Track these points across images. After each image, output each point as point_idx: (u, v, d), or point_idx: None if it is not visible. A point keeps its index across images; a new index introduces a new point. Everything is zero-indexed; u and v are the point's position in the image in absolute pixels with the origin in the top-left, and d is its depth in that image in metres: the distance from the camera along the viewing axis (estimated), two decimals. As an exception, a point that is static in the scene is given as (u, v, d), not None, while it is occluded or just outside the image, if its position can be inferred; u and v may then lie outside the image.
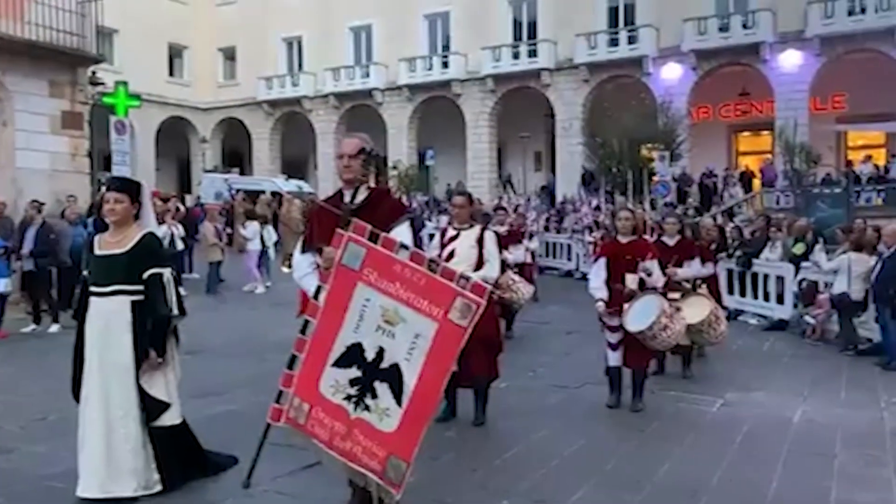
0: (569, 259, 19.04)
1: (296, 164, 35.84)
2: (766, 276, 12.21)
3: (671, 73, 27.73)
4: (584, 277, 8.06)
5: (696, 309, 7.67)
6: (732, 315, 12.34)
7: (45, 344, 10.05)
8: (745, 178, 26.31)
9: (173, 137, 36.05)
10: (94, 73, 17.70)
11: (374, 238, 3.61)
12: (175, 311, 4.31)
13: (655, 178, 21.58)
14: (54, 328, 10.79)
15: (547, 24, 30.22)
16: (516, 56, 30.71)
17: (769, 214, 15.60)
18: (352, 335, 3.64)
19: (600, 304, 6.60)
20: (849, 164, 24.31)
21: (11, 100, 14.48)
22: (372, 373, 3.59)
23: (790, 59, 25.95)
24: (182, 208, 19.26)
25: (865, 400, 7.33)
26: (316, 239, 3.97)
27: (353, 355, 3.64)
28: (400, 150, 32.91)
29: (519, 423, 6.25)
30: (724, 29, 26.78)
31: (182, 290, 4.68)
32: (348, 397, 3.63)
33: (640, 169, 19.09)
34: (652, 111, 25.47)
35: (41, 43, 14.71)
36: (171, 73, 36.59)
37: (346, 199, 3.95)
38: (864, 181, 22.57)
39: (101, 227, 4.71)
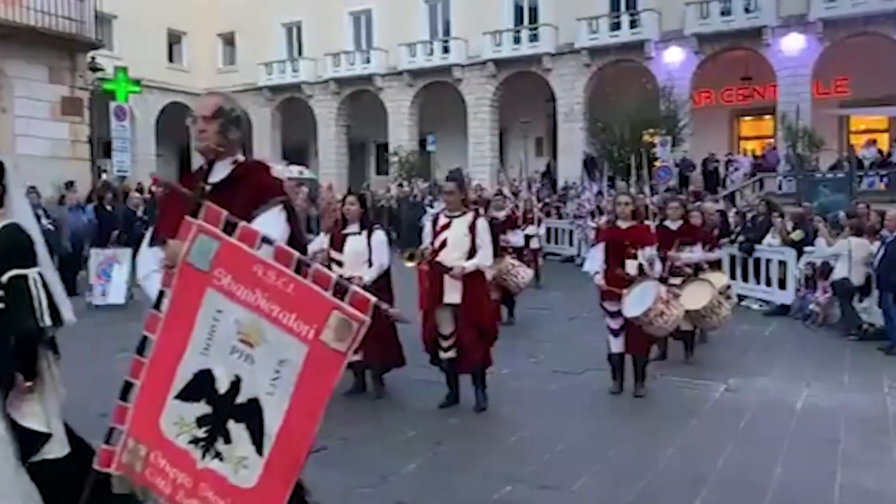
0: (570, 244, 19.02)
1: (296, 150, 35.73)
2: (768, 262, 12.19)
3: (673, 58, 27.56)
4: None
5: (698, 295, 7.67)
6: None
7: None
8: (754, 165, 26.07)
9: (173, 123, 35.82)
10: (93, 58, 17.64)
11: (231, 229, 2.66)
12: (47, 322, 3.23)
13: (657, 163, 21.48)
14: None
15: (548, 8, 30.02)
16: (517, 41, 30.52)
17: (770, 199, 15.55)
18: (199, 358, 2.71)
19: (598, 277, 6.65)
20: (851, 148, 24.21)
21: (11, 86, 14.44)
22: (225, 409, 2.67)
23: (793, 43, 25.78)
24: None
25: (869, 384, 7.33)
26: (164, 228, 2.99)
27: (201, 385, 2.72)
28: (401, 135, 32.80)
29: (521, 410, 6.26)
30: (726, 13, 26.59)
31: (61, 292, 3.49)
32: (195, 440, 2.72)
33: (641, 154, 18.97)
34: (654, 96, 25.32)
35: (40, 28, 14.66)
36: (170, 59, 36.37)
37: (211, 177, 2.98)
38: (867, 166, 22.47)
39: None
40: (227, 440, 2.67)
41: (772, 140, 26.68)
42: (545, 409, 6.28)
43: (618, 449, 5.34)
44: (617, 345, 6.75)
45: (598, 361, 7.23)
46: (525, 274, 10.16)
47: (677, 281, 7.79)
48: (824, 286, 10.54)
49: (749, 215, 14.18)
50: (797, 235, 11.94)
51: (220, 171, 3.00)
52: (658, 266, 6.75)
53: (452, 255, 6.00)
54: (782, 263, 11.88)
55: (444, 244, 6.04)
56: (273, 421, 2.61)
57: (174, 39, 36.47)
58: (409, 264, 6.38)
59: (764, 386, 7.18)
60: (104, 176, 19.30)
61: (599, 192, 18.72)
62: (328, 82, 34.28)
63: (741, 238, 12.74)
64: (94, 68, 17.93)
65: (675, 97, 25.30)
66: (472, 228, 6.06)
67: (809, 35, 25.43)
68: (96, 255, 11.69)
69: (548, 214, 19.75)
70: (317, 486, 4.49)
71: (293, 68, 35.48)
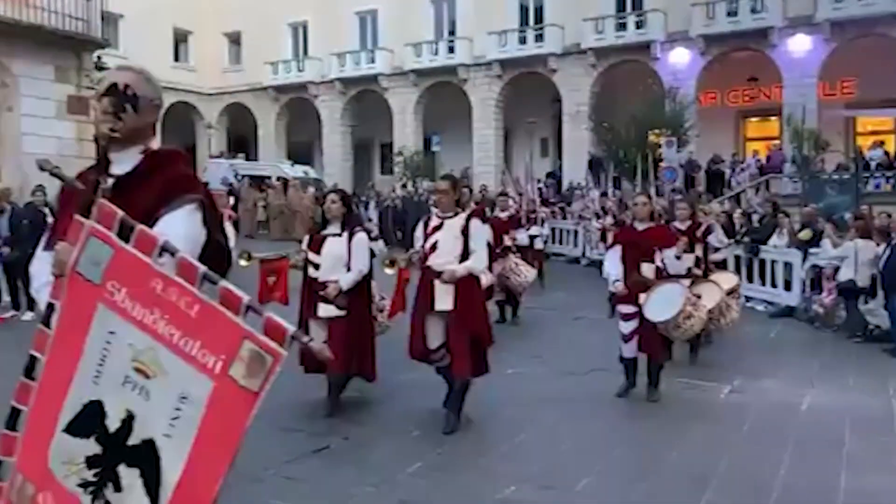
0: (575, 245, 19.00)
1: (302, 150, 35.76)
2: (773, 263, 12.16)
3: (679, 59, 27.51)
4: (592, 264, 7.89)
5: (707, 297, 7.53)
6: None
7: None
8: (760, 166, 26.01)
9: (179, 123, 35.97)
10: (99, 57, 17.68)
11: (128, 233, 2.14)
12: None
13: (663, 164, 21.45)
14: (28, 316, 10.62)
15: (554, 8, 29.99)
16: (523, 41, 30.49)
17: (776, 201, 15.51)
18: (90, 386, 2.21)
19: (618, 284, 6.43)
20: (857, 149, 24.13)
21: (17, 84, 14.49)
22: (115, 451, 2.16)
23: (799, 44, 25.70)
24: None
25: (874, 386, 7.31)
26: (60, 230, 2.41)
27: (90, 419, 2.22)
28: (405, 135, 32.80)
29: (526, 410, 6.25)
30: (732, 13, 26.52)
31: None
32: (84, 484, 2.21)
33: (647, 155, 18.97)
34: (659, 97, 25.28)
35: (47, 28, 14.72)
36: (176, 59, 36.45)
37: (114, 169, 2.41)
38: (874, 167, 22.40)
39: None
40: (118, 488, 2.16)
41: (777, 141, 26.61)
42: (550, 410, 6.27)
43: (622, 449, 5.33)
44: (629, 349, 6.61)
45: (603, 362, 7.22)
46: (528, 273, 10.16)
47: (686, 282, 7.57)
48: (829, 288, 10.51)
49: (755, 216, 14.16)
50: (805, 235, 11.92)
51: (124, 163, 2.44)
52: (684, 259, 6.73)
53: (443, 259, 5.61)
54: (788, 265, 11.85)
55: (434, 247, 5.67)
56: (172, 469, 2.10)
57: (180, 39, 36.54)
58: (389, 271, 6.06)
59: (769, 387, 7.16)
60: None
61: (604, 193, 18.70)
62: (333, 82, 34.30)
63: (746, 239, 12.71)
64: (101, 67, 17.96)
65: (680, 98, 25.26)
66: (466, 230, 5.62)
67: (816, 36, 25.35)
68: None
69: (553, 215, 19.75)
70: (320, 485, 4.51)
71: (299, 68, 35.51)
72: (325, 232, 6.11)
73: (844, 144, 25.57)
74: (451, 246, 5.62)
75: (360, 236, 6.06)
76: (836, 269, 10.35)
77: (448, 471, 4.86)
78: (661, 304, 6.20)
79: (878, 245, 9.86)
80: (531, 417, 6.04)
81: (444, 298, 5.55)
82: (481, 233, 5.70)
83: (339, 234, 6.01)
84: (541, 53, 29.76)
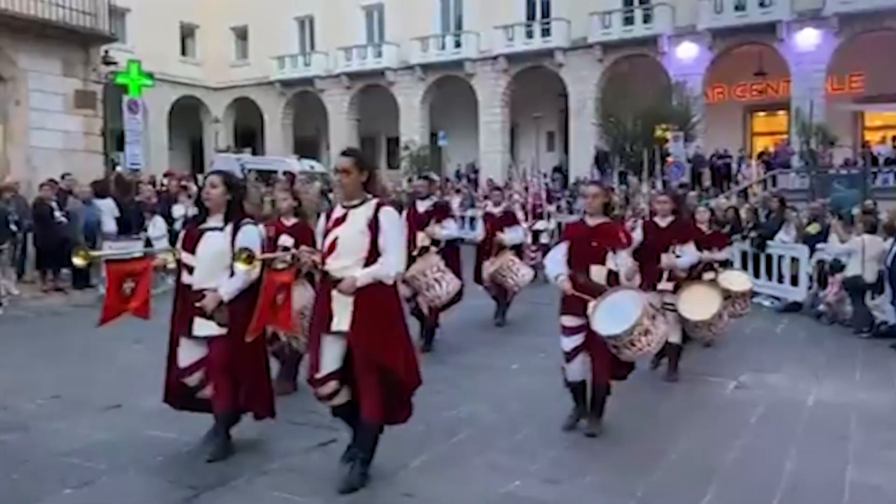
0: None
1: (308, 145, 35.79)
2: (780, 258, 12.14)
3: (686, 53, 27.42)
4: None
5: (703, 302, 6.78)
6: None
7: (59, 321, 10.13)
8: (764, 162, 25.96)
9: (185, 117, 36.06)
10: (106, 52, 17.71)
11: None
12: None
13: (670, 159, 21.40)
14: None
15: (560, 2, 29.90)
16: (529, 35, 30.45)
17: (783, 196, 15.46)
18: None
19: (562, 279, 5.30)
20: (866, 144, 24.04)
21: (25, 79, 14.53)
22: None
23: (807, 38, 25.58)
24: (195, 188, 19.28)
25: (880, 382, 7.30)
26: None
27: None
28: (412, 130, 32.79)
29: (530, 404, 6.25)
30: (740, 7, 26.42)
31: None
32: None
33: (653, 149, 18.94)
34: (666, 91, 25.22)
35: (54, 22, 14.74)
36: (183, 53, 36.51)
37: None
38: (882, 162, 22.31)
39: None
40: None
41: (785, 136, 26.51)
42: (553, 404, 6.25)
43: (627, 444, 5.33)
44: (575, 371, 5.44)
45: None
46: (526, 272, 9.73)
47: (669, 286, 6.85)
48: (833, 282, 10.49)
49: (762, 212, 14.11)
50: (814, 228, 11.90)
51: None
52: (631, 266, 5.53)
53: (343, 262, 4.30)
54: (794, 260, 11.83)
55: (334, 246, 4.34)
56: None
57: (187, 33, 36.60)
58: (242, 268, 4.46)
59: (775, 382, 7.15)
60: (117, 169, 19.41)
61: (610, 188, 18.65)
62: (340, 76, 34.32)
63: (753, 234, 12.69)
64: (108, 62, 18.00)
65: (687, 92, 25.18)
66: (374, 224, 4.28)
67: (824, 30, 25.24)
68: (108, 248, 11.77)
69: (558, 209, 19.72)
70: (325, 478, 4.52)
71: (305, 62, 35.53)
72: (204, 226, 4.80)
73: (853, 139, 25.46)
74: (354, 244, 4.29)
75: (249, 230, 4.76)
76: (842, 268, 10.32)
77: (452, 465, 4.87)
78: (613, 315, 5.03)
79: (884, 240, 9.84)
80: (535, 412, 6.03)
81: (341, 315, 4.26)
82: (395, 227, 4.39)
83: (221, 228, 4.72)
84: (547, 48, 29.71)
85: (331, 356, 4.33)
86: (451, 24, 32.72)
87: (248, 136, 37.66)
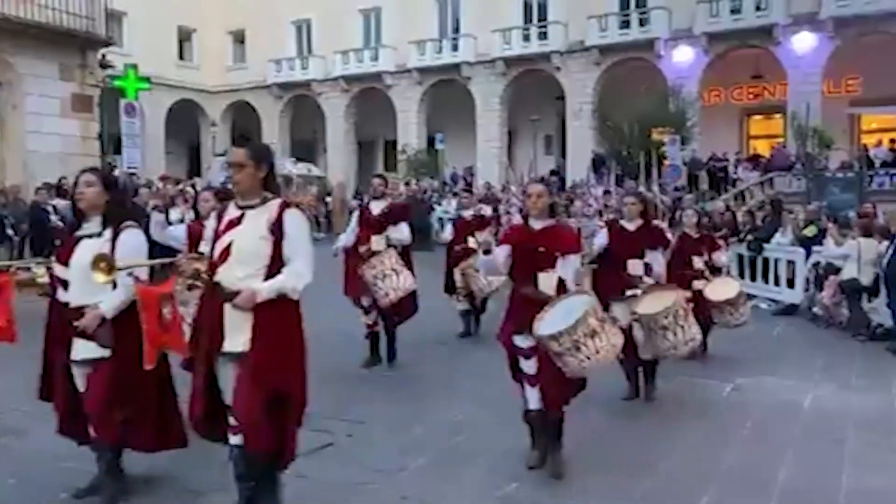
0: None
1: (305, 148, 35.80)
2: (776, 261, 12.17)
3: (683, 56, 27.49)
4: (592, 262, 6.67)
5: (656, 301, 6.12)
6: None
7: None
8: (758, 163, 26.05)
9: (183, 121, 36.05)
10: (103, 56, 17.72)
11: None
12: None
13: (667, 162, 21.43)
14: None
15: (558, 5, 29.98)
16: (527, 38, 30.49)
17: (780, 198, 15.51)
18: None
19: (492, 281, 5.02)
20: (862, 147, 24.09)
21: (22, 83, 14.54)
22: None
23: (803, 42, 25.66)
24: (192, 192, 19.29)
25: (877, 385, 7.30)
26: None
27: None
28: (409, 133, 32.81)
29: (528, 407, 6.25)
30: (736, 11, 26.50)
31: None
32: None
33: (650, 152, 18.99)
34: (663, 94, 25.29)
35: (51, 26, 14.75)
36: (180, 57, 36.51)
37: None
38: (878, 165, 22.36)
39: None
40: None
41: (781, 139, 26.58)
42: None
43: (624, 447, 5.34)
44: (535, 398, 4.79)
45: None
46: (493, 280, 8.69)
47: (637, 292, 6.25)
48: (829, 285, 10.51)
49: (759, 215, 14.16)
50: (811, 231, 11.93)
51: None
52: (577, 271, 4.94)
53: (238, 271, 3.67)
54: (791, 263, 11.85)
55: (227, 252, 3.70)
56: None
57: (184, 36, 36.59)
58: (102, 279, 3.80)
59: (771, 386, 7.16)
60: (115, 172, 19.41)
61: (607, 191, 18.70)
62: (337, 80, 34.34)
63: (750, 237, 12.72)
64: (105, 65, 18.01)
65: (684, 95, 25.25)
66: (278, 228, 3.68)
67: (820, 33, 25.31)
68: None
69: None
70: (323, 481, 4.53)
71: (303, 66, 35.56)
72: (80, 232, 4.17)
73: (849, 142, 25.52)
74: (253, 251, 3.68)
75: (131, 236, 4.14)
76: (837, 271, 10.34)
77: (450, 467, 4.87)
78: (557, 319, 4.40)
79: (880, 243, 9.87)
80: (533, 415, 6.03)
81: (235, 334, 3.63)
82: (303, 232, 3.78)
83: (99, 234, 4.10)
84: (545, 51, 29.77)
85: (226, 383, 3.73)
86: (449, 28, 32.77)
87: (246, 139, 37.63)
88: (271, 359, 3.61)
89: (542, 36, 30.13)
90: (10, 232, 11.55)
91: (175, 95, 34.98)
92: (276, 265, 3.67)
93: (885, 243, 9.67)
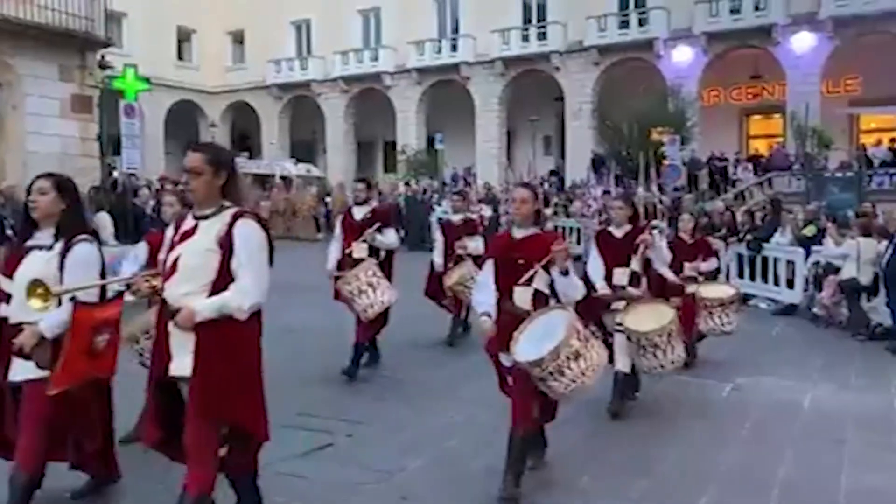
0: (578, 243, 18.99)
1: (305, 148, 35.82)
2: (776, 261, 12.17)
3: (682, 56, 27.51)
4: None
5: (649, 316, 5.67)
6: (742, 299, 12.32)
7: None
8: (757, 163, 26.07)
9: (182, 121, 36.06)
10: (103, 56, 17.70)
11: None
12: None
13: (666, 162, 21.44)
14: None
15: (556, 6, 30.00)
16: (526, 39, 30.52)
17: (779, 198, 15.51)
18: None
19: (485, 320, 4.42)
20: (861, 147, 24.10)
21: (21, 83, 14.52)
22: None
23: (803, 42, 25.68)
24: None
25: (876, 385, 7.31)
26: None
27: None
28: (409, 134, 32.83)
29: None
30: (735, 11, 26.53)
31: None
32: None
33: (648, 153, 18.99)
34: (662, 94, 25.30)
35: (51, 26, 14.74)
36: (179, 57, 36.53)
37: None
38: (877, 165, 22.37)
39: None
40: None
41: (781, 139, 26.59)
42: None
43: (623, 447, 5.34)
44: None
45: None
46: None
47: (620, 305, 5.86)
48: (829, 285, 10.51)
49: (758, 214, 14.16)
50: (810, 231, 11.94)
51: None
52: (575, 282, 4.41)
53: (183, 287, 3.31)
54: (790, 262, 11.86)
55: (175, 267, 3.35)
56: None
57: (183, 37, 36.62)
58: (36, 306, 3.52)
59: (771, 385, 7.16)
60: (114, 173, 19.41)
61: (606, 191, 18.70)
62: (337, 80, 34.36)
63: (749, 237, 12.72)
64: (104, 66, 18.00)
65: (683, 95, 25.27)
66: (227, 239, 3.29)
67: (819, 33, 25.33)
68: (105, 252, 11.75)
69: (555, 213, 19.77)
70: (321, 482, 4.53)
71: (302, 66, 35.59)
72: (30, 242, 3.84)
73: (848, 142, 25.54)
74: (200, 265, 3.29)
75: (83, 249, 3.82)
76: (837, 270, 10.35)
77: (449, 467, 4.87)
78: (535, 340, 4.07)
79: (879, 242, 9.88)
80: (533, 415, 6.03)
81: (182, 357, 3.29)
82: (253, 244, 3.32)
83: (50, 247, 3.78)
84: (544, 51, 29.78)
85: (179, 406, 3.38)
86: (448, 28, 32.79)
87: (245, 139, 37.68)
88: (214, 385, 3.22)
89: (542, 36, 30.15)
90: (9, 233, 11.53)
91: (174, 96, 35.01)
92: (223, 281, 3.27)
93: (885, 243, 9.68)
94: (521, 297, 4.35)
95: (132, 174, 17.28)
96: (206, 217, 3.36)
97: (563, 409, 5.50)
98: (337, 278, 7.02)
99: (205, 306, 3.23)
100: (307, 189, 24.65)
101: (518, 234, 4.50)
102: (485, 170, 30.08)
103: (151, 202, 14.61)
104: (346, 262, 6.99)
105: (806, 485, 4.70)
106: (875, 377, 7.60)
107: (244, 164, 29.43)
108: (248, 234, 3.31)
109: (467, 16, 31.87)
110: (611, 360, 5.02)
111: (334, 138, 35.10)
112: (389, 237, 7.21)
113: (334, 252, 7.27)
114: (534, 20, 30.84)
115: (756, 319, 10.80)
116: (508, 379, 4.45)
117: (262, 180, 26.62)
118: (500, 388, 4.65)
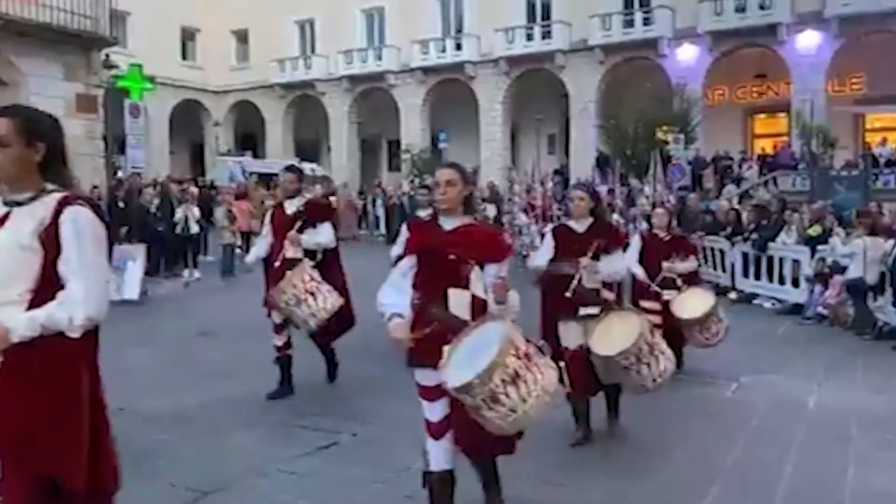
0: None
1: (309, 148, 35.85)
2: (781, 260, 12.14)
3: (686, 55, 27.46)
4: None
5: (618, 333, 4.98)
6: (747, 298, 12.31)
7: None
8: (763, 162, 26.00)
9: (187, 121, 36.13)
10: (107, 56, 17.76)
11: None
12: None
13: (673, 161, 21.39)
14: None
15: (561, 5, 29.97)
16: (530, 38, 30.49)
17: (784, 197, 15.47)
18: None
19: (397, 321, 3.46)
20: (866, 146, 24.03)
21: (26, 83, 14.57)
22: None
23: (808, 40, 25.62)
24: (196, 191, 19.33)
25: (881, 384, 7.29)
26: None
27: None
28: (413, 133, 32.83)
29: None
30: (740, 9, 26.47)
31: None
32: None
33: (652, 152, 18.94)
34: (667, 93, 25.26)
35: (55, 26, 14.79)
36: (183, 57, 36.59)
37: None
38: (883, 164, 22.30)
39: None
40: None
41: (786, 138, 26.52)
42: (551, 407, 6.15)
43: (627, 446, 5.33)
44: (441, 457, 3.64)
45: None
46: None
47: (594, 310, 5.12)
48: (834, 284, 10.48)
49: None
50: (815, 230, 11.91)
51: None
52: (505, 295, 3.49)
53: None
54: (796, 262, 11.83)
55: None
56: None
57: (188, 37, 36.69)
58: None
59: (775, 384, 7.14)
60: (119, 172, 19.46)
61: (611, 190, 18.66)
62: (341, 79, 34.38)
63: (754, 236, 12.69)
64: (109, 65, 18.05)
65: (688, 94, 25.21)
66: (51, 234, 2.43)
67: (824, 32, 25.26)
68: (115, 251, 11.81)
69: (560, 211, 19.73)
70: (326, 481, 4.53)
71: (306, 65, 35.62)
72: None
73: (853, 141, 25.48)
74: (13, 267, 2.43)
75: None
76: (843, 270, 10.32)
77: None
78: (470, 360, 3.17)
79: (885, 241, 9.85)
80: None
81: None
82: (86, 239, 2.47)
83: None
84: (548, 50, 29.75)
85: None
86: (452, 27, 32.78)
87: (249, 139, 37.73)
88: (23, 428, 2.38)
89: (546, 35, 30.12)
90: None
91: (179, 95, 35.06)
92: (49, 288, 2.42)
93: (891, 242, 9.65)
94: (459, 301, 3.50)
95: (137, 173, 17.33)
96: (19, 204, 2.48)
97: (562, 412, 5.27)
98: (266, 278, 6.46)
99: (21, 322, 2.37)
100: (312, 188, 24.63)
101: (447, 224, 3.60)
102: (489, 168, 30.07)
103: (156, 201, 14.68)
104: (283, 265, 6.14)
105: (811, 484, 4.68)
106: (881, 376, 7.59)
107: (249, 163, 29.48)
108: (80, 227, 2.45)
109: (471, 15, 31.86)
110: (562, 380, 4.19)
111: (338, 137, 35.12)
112: (323, 234, 6.28)
113: (255, 253, 6.75)
114: (538, 19, 30.81)
115: (761, 319, 10.79)
116: (430, 405, 3.62)
117: (267, 180, 26.64)
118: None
